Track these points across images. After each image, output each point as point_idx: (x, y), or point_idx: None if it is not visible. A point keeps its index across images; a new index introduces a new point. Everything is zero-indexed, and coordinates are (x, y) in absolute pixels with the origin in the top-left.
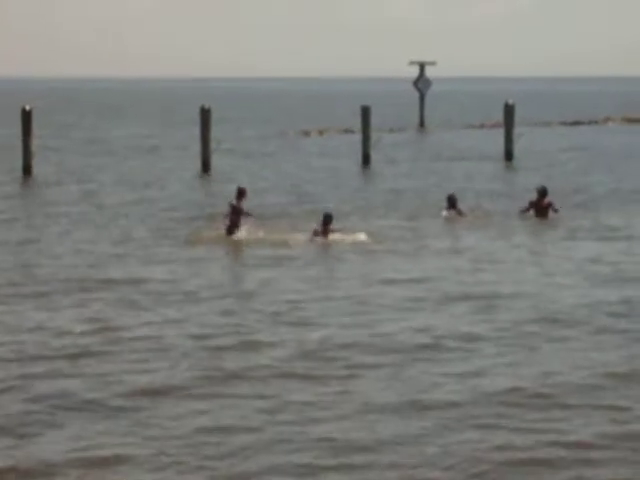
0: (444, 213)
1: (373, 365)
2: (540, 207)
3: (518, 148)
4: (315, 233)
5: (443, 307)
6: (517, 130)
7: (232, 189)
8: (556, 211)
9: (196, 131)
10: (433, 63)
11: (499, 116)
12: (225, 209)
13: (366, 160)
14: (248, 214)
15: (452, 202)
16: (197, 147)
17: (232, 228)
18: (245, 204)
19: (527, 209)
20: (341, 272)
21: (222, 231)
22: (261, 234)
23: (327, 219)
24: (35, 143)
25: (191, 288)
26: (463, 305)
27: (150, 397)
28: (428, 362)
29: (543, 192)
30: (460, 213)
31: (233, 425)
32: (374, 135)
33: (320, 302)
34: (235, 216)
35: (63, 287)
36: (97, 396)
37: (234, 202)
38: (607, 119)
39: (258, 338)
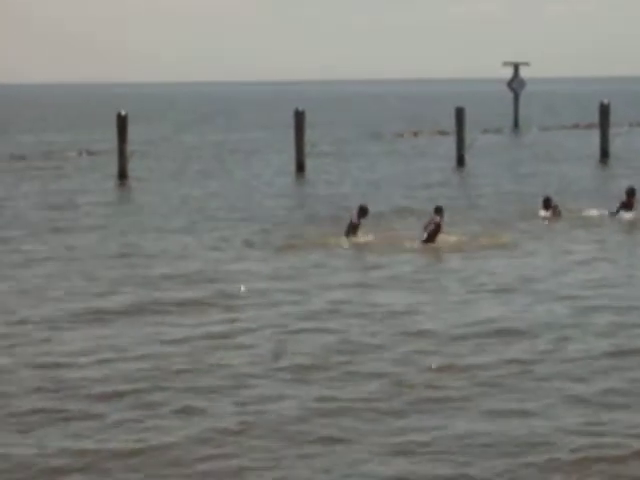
0: (542, 213)
1: None
2: (629, 206)
3: (614, 148)
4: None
5: None
6: (612, 130)
7: (327, 191)
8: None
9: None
10: (527, 64)
11: (591, 116)
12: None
13: (460, 162)
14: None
15: (548, 203)
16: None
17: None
18: (364, 221)
19: (617, 211)
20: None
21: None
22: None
23: (437, 211)
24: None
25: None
26: None
27: None
28: None
29: (631, 192)
30: (557, 213)
31: None
32: (468, 136)
33: None
34: (353, 232)
35: None
36: None
37: (354, 219)
38: None
39: None
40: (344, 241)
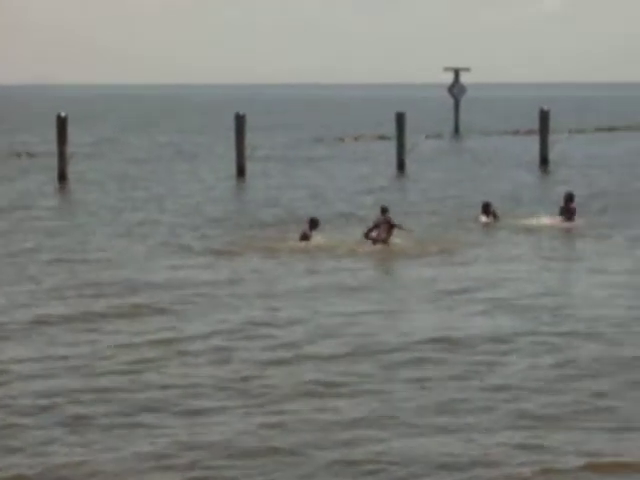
0: (483, 219)
1: None
2: (567, 212)
3: (553, 154)
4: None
5: None
6: (552, 137)
7: (267, 195)
8: (574, 216)
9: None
10: (467, 69)
11: (531, 123)
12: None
13: (401, 167)
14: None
15: (487, 209)
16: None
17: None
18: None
19: (559, 215)
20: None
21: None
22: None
23: (384, 211)
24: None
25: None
26: None
27: None
28: None
29: (569, 198)
30: (496, 219)
31: None
32: (409, 142)
33: None
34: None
35: None
36: None
37: (307, 231)
38: None
39: None
40: (293, 245)
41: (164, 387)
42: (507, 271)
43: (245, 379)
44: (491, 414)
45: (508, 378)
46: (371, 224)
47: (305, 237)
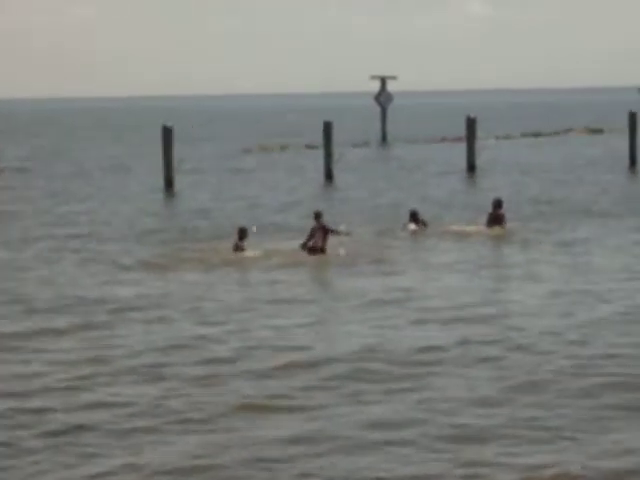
0: (411, 227)
1: None
2: (496, 218)
3: (481, 161)
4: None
5: None
6: (479, 143)
7: (194, 207)
8: (504, 224)
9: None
10: (394, 77)
11: (459, 130)
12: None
13: (329, 176)
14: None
15: (415, 217)
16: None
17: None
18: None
19: (486, 223)
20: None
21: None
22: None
23: (318, 216)
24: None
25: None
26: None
27: None
28: None
29: (498, 204)
30: (424, 227)
31: None
32: (337, 151)
33: None
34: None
35: None
36: None
37: (238, 242)
38: (568, 130)
39: None
40: (225, 257)
41: (96, 406)
42: (438, 280)
43: (178, 396)
44: (426, 428)
45: (442, 391)
46: (308, 233)
47: (238, 248)
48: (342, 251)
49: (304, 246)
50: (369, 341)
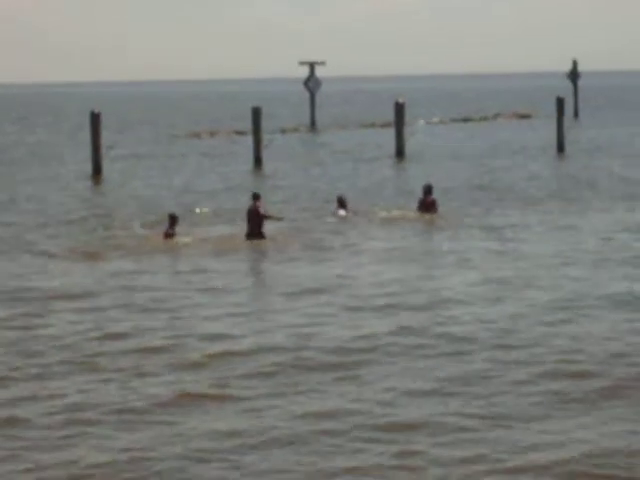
0: (340, 213)
1: None
2: (426, 204)
3: (410, 146)
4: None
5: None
6: (408, 129)
7: (124, 194)
8: (436, 210)
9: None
10: (323, 63)
11: (389, 115)
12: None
13: (258, 162)
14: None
15: (342, 202)
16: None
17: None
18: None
19: (417, 209)
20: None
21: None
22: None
23: (255, 197)
24: None
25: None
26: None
27: None
28: None
29: (428, 190)
30: (353, 213)
31: None
32: (266, 137)
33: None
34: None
35: None
36: None
37: (169, 230)
38: (497, 115)
39: None
40: (156, 244)
41: (27, 399)
42: (369, 267)
43: (112, 388)
44: (360, 419)
45: (376, 381)
46: (245, 215)
47: (168, 235)
48: (278, 237)
49: (247, 236)
50: (303, 330)
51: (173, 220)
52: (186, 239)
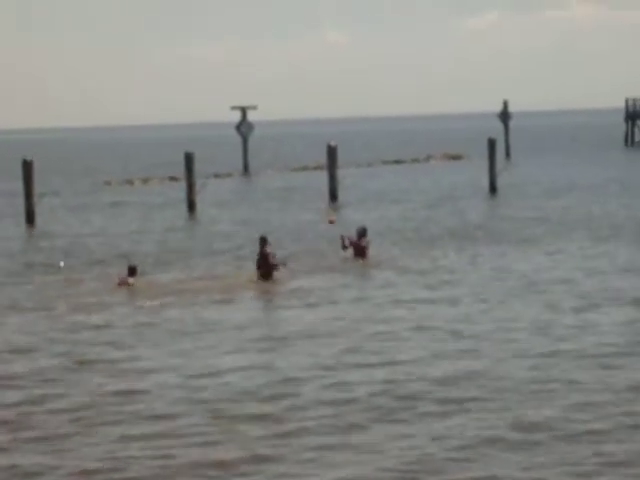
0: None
1: None
2: (359, 247)
3: (343, 189)
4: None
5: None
6: (341, 172)
7: (55, 243)
8: (366, 255)
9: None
10: (254, 107)
11: (322, 157)
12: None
13: (191, 207)
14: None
15: (264, 242)
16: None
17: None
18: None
19: (347, 246)
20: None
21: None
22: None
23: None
24: None
25: None
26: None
27: None
28: None
29: (362, 232)
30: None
31: None
32: (199, 181)
33: None
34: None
35: None
36: None
37: (128, 281)
38: (429, 157)
39: None
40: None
41: None
42: (300, 315)
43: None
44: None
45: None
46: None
47: (124, 283)
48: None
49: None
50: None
51: (131, 271)
52: (141, 284)
